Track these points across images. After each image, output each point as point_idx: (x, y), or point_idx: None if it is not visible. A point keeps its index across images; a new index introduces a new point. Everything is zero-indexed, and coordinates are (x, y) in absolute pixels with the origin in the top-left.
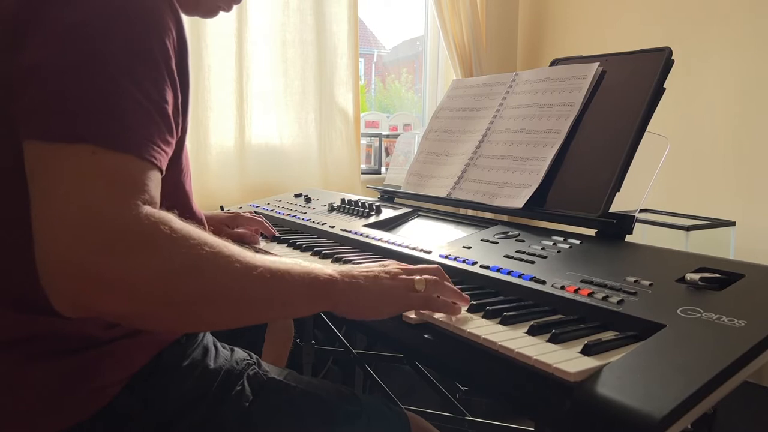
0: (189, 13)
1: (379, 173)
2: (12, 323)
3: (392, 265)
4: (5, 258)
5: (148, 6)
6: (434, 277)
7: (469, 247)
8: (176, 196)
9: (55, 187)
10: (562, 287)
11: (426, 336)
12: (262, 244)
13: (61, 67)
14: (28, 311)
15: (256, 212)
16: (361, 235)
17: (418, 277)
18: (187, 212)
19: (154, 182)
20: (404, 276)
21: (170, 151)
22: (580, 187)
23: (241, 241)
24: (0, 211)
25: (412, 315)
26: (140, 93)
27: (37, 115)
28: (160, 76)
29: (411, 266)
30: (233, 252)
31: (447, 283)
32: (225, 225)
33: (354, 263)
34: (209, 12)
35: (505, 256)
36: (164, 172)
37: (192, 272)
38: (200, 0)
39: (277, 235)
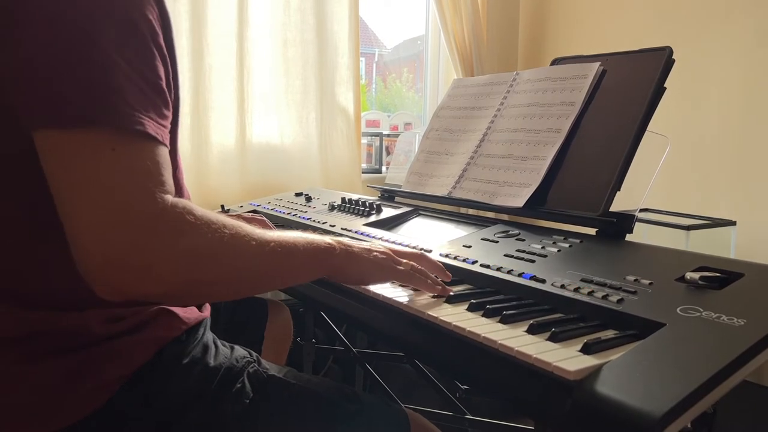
0: None
1: (380, 172)
2: (13, 319)
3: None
4: (6, 254)
5: None
6: (420, 267)
7: (470, 246)
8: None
9: (83, 185)
10: (562, 286)
11: (426, 335)
12: None
13: (56, 55)
14: (29, 307)
15: (256, 211)
16: (361, 234)
17: (405, 261)
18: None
19: (166, 162)
20: (392, 254)
21: (168, 124)
22: (580, 186)
23: None
24: (1, 206)
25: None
26: (133, 71)
27: (43, 103)
28: (149, 52)
29: (399, 250)
30: (248, 231)
31: (430, 273)
32: None
33: None
34: None
35: (505, 255)
36: (168, 146)
37: (216, 254)
38: None
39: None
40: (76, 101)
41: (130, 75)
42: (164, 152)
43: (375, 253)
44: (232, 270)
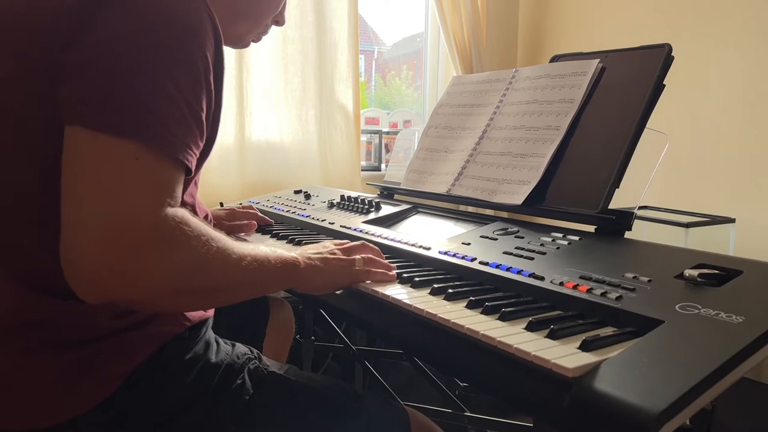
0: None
1: (379, 170)
2: (25, 305)
3: (329, 244)
4: (18, 232)
5: (193, 18)
6: (369, 255)
7: (469, 244)
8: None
9: (96, 185)
10: (561, 283)
11: (425, 332)
12: (259, 238)
13: (112, 66)
14: (41, 292)
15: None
16: (360, 231)
17: (358, 257)
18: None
19: (181, 182)
20: (346, 256)
21: (198, 153)
22: (579, 183)
23: (238, 232)
24: (22, 187)
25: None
26: (180, 97)
27: (85, 104)
28: (198, 84)
29: (344, 243)
30: (229, 245)
31: (378, 258)
32: (223, 220)
33: None
34: (239, 43)
35: (504, 253)
36: (192, 172)
37: (203, 266)
38: (233, 31)
39: (272, 223)
40: (119, 110)
41: (177, 100)
42: (182, 176)
43: (333, 261)
44: (214, 281)
